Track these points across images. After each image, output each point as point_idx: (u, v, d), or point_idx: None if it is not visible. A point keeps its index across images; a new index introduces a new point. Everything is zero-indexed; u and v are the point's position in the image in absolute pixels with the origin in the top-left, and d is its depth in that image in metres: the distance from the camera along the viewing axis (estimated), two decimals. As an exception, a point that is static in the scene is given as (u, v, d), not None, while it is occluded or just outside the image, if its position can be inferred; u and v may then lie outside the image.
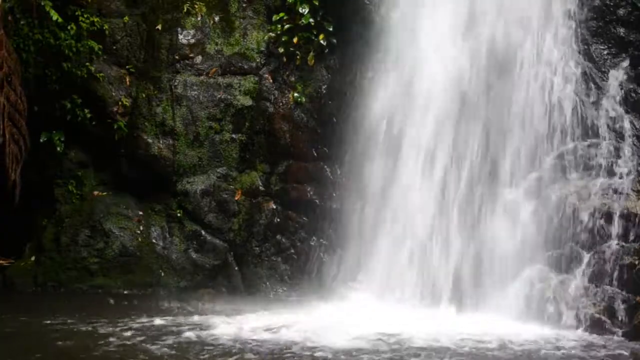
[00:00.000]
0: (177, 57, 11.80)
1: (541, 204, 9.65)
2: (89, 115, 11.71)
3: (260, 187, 11.74)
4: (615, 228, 9.13)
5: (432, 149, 10.36)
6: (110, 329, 8.77)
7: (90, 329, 8.78)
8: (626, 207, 9.18)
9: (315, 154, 11.59)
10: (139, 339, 8.28)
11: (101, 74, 11.75)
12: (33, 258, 11.65)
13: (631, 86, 9.89)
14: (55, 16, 10.92)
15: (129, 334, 8.52)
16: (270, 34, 11.88)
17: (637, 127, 9.73)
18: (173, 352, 7.79)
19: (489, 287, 9.66)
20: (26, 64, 11.12)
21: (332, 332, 8.52)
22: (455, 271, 9.99)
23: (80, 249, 11.48)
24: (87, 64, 11.63)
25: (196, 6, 11.84)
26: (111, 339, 8.24)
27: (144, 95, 11.80)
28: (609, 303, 8.87)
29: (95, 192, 11.97)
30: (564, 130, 9.94)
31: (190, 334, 8.49)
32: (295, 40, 11.68)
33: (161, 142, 11.73)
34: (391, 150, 10.74)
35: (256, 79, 11.89)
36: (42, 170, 11.81)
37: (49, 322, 9.06)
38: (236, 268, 11.63)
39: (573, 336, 8.61)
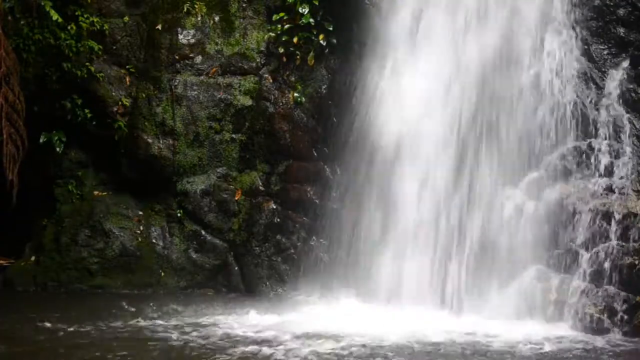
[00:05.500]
0: (177, 57, 11.80)
1: (541, 204, 9.64)
2: (89, 115, 11.72)
3: (260, 187, 11.74)
4: (615, 228, 9.12)
5: (432, 150, 10.35)
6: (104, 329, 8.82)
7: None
8: (626, 207, 9.18)
9: (315, 154, 11.59)
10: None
11: (101, 74, 11.75)
12: (33, 258, 11.64)
13: (631, 86, 9.88)
14: (55, 16, 10.91)
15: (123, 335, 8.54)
16: (270, 34, 11.88)
17: (637, 127, 9.72)
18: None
19: (489, 287, 9.65)
20: (26, 64, 11.11)
21: (331, 332, 8.54)
22: (455, 271, 9.97)
23: (80, 249, 11.47)
24: (87, 64, 11.62)
25: (196, 6, 11.84)
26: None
27: (144, 95, 11.80)
28: (609, 303, 8.87)
29: (95, 192, 11.97)
30: (564, 130, 9.93)
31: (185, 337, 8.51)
32: (295, 40, 11.68)
33: (161, 142, 11.73)
34: (391, 150, 10.74)
35: (256, 79, 11.89)
36: (42, 170, 11.81)
37: (48, 323, 9.07)
38: (236, 268, 11.62)
39: (573, 336, 8.61)
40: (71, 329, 8.75)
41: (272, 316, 9.53)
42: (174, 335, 8.52)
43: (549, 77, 10.07)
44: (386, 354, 7.77)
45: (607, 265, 9.01)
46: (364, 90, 11.10)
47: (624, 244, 9.04)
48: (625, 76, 9.91)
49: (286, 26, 11.72)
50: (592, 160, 9.71)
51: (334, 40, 11.61)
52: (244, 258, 11.56)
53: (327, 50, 11.64)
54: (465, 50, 10.47)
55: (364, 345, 8.04)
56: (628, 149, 9.63)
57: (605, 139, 9.76)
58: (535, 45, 10.19)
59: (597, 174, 9.63)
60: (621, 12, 10.07)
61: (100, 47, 11.67)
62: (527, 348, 8.05)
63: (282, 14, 11.75)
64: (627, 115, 9.77)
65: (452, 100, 10.41)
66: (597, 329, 8.76)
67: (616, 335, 8.63)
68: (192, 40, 11.84)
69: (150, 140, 11.73)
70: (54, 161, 11.89)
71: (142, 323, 9.12)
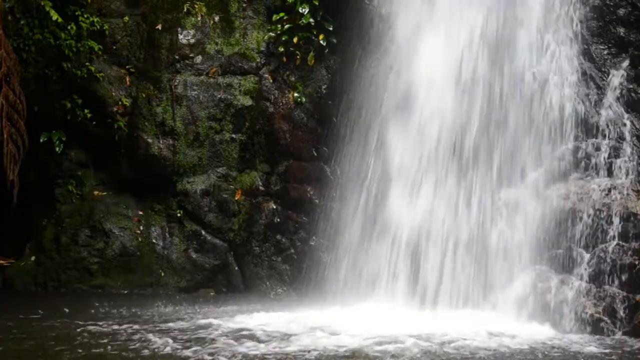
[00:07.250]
0: (177, 57, 11.82)
1: (541, 204, 9.64)
2: (89, 115, 11.73)
3: (260, 187, 11.75)
4: (615, 228, 9.11)
5: (432, 150, 10.35)
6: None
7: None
8: (626, 207, 9.17)
9: (315, 154, 11.60)
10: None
11: (101, 74, 11.77)
12: (33, 258, 11.66)
13: (631, 86, 9.87)
14: (55, 16, 10.93)
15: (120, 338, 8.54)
16: (270, 34, 11.89)
17: (637, 127, 9.72)
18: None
19: (489, 287, 9.64)
20: (26, 64, 11.14)
21: (330, 332, 8.54)
22: (455, 271, 9.97)
23: (80, 249, 11.50)
24: (87, 64, 11.65)
25: (196, 6, 11.85)
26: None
27: (144, 95, 11.81)
28: (609, 303, 8.85)
29: (95, 192, 11.98)
30: (564, 130, 9.92)
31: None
32: (295, 40, 11.70)
33: (161, 142, 11.74)
34: (391, 150, 10.74)
35: (256, 79, 11.90)
36: (42, 170, 11.83)
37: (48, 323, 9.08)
38: (236, 268, 11.64)
39: (573, 336, 8.60)
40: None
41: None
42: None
43: (549, 77, 10.07)
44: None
45: (607, 265, 8.99)
46: (364, 90, 11.11)
47: (624, 244, 9.03)
48: (625, 76, 9.90)
49: (286, 26, 11.74)
50: (592, 160, 9.70)
51: (334, 40, 11.63)
52: (244, 258, 11.57)
53: (327, 50, 11.66)
54: (465, 48, 10.47)
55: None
56: (628, 149, 9.62)
57: (605, 139, 9.76)
58: (536, 44, 10.19)
59: (597, 174, 9.62)
60: (621, 12, 10.06)
61: (100, 47, 11.70)
62: (526, 348, 8.04)
63: (282, 14, 11.77)
64: (627, 115, 9.76)
65: (452, 99, 10.40)
66: (597, 329, 8.75)
67: (616, 335, 8.61)
68: (192, 40, 11.86)
69: (150, 140, 11.74)
70: (54, 161, 11.90)
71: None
